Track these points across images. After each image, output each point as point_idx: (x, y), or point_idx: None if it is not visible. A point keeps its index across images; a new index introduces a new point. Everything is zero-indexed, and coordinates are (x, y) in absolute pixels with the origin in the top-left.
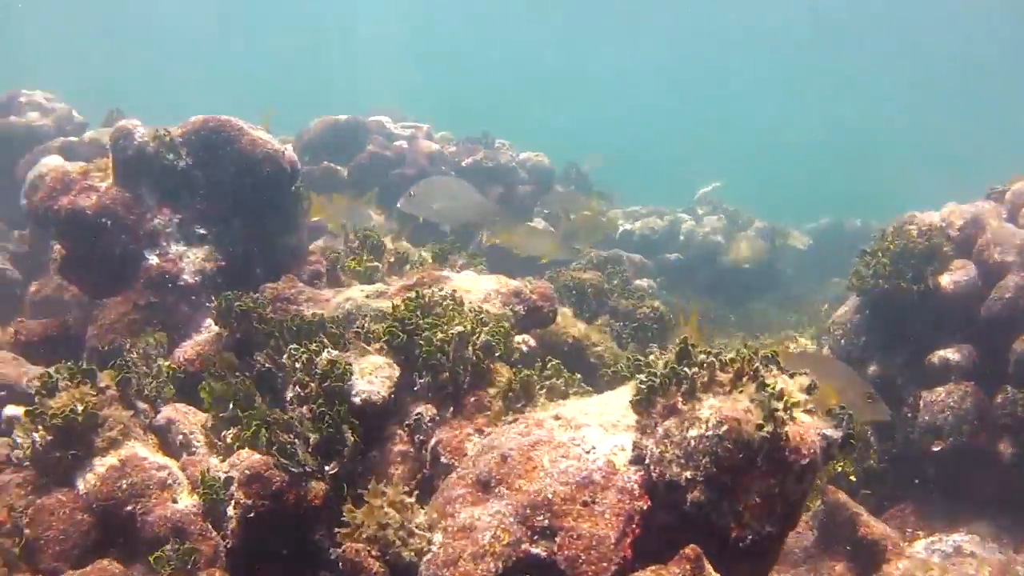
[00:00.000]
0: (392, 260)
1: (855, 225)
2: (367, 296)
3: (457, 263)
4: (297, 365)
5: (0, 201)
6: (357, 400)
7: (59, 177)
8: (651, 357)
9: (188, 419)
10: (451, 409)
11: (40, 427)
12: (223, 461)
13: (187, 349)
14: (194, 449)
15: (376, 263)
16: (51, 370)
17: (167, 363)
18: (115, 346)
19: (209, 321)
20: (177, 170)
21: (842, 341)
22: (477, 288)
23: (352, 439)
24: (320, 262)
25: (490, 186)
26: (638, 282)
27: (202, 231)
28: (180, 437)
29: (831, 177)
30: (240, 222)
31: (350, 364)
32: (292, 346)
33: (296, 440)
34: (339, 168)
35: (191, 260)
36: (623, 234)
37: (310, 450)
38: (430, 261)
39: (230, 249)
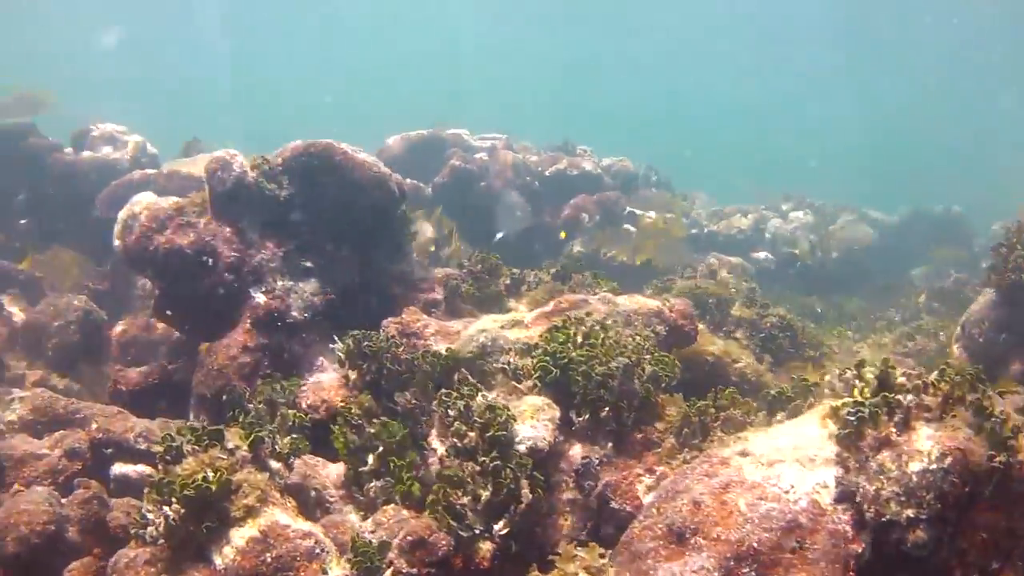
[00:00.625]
0: (508, 282)
1: (936, 211)
2: (502, 326)
3: (582, 283)
4: (451, 412)
5: (79, 237)
6: (522, 448)
7: (153, 215)
8: (828, 378)
9: (319, 472)
10: (609, 445)
11: (173, 499)
12: (365, 519)
13: (310, 394)
14: (328, 505)
15: (497, 288)
16: (173, 431)
17: (292, 411)
18: (234, 395)
19: (322, 359)
20: (279, 200)
21: (980, 339)
22: (617, 310)
23: (530, 495)
24: (433, 289)
25: (575, 193)
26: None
27: (308, 263)
28: (313, 494)
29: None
30: (348, 251)
31: (508, 408)
32: (443, 392)
33: (466, 498)
34: (423, 185)
35: (299, 295)
36: (708, 234)
37: (479, 507)
38: (546, 280)
39: (339, 280)
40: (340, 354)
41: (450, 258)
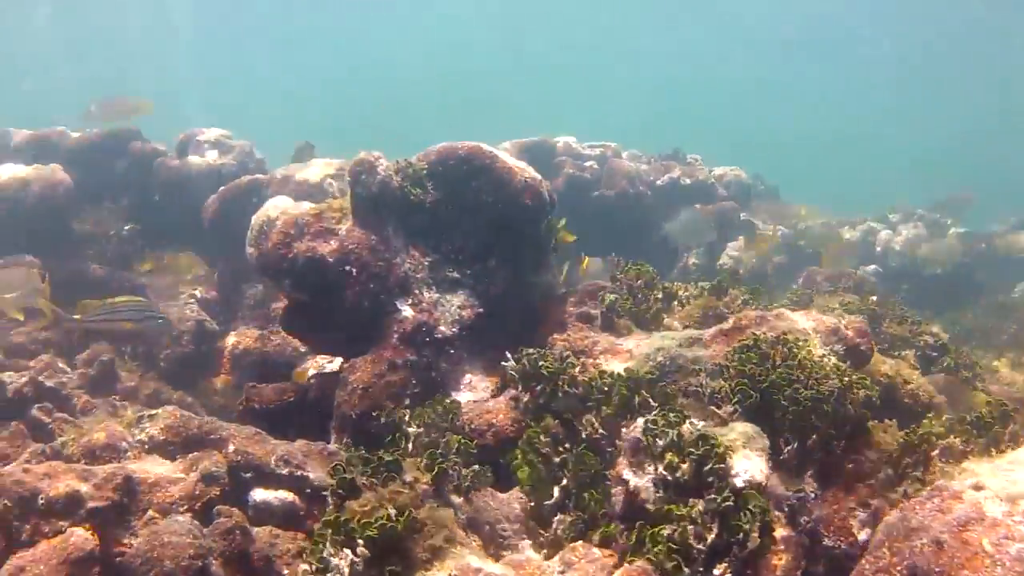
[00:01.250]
0: (659, 296)
1: None
2: (679, 344)
3: (738, 299)
4: (660, 442)
5: (185, 243)
6: (738, 483)
7: (290, 221)
8: None
9: (489, 503)
10: (812, 476)
11: (358, 541)
12: (548, 557)
13: (474, 417)
14: (503, 541)
15: (657, 303)
16: (343, 462)
17: (457, 437)
18: (392, 418)
19: (470, 377)
20: (425, 206)
21: None
22: (795, 327)
23: (756, 538)
24: (583, 302)
25: (687, 203)
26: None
27: (455, 274)
28: (487, 528)
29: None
30: (496, 261)
31: (717, 439)
32: (649, 419)
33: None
34: None
35: (447, 308)
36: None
37: (701, 550)
38: (696, 294)
39: (486, 292)
40: (513, 373)
41: (584, 272)
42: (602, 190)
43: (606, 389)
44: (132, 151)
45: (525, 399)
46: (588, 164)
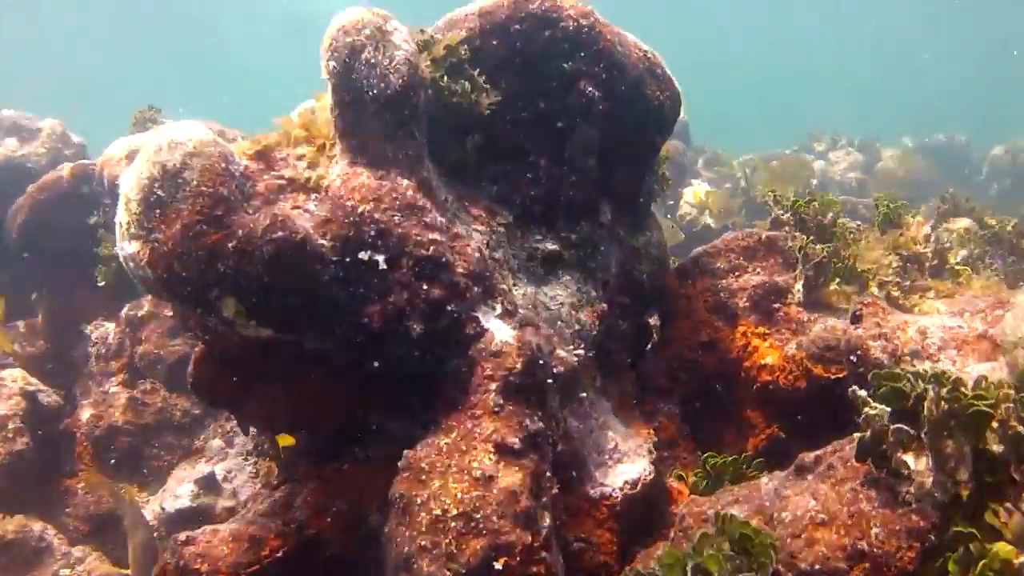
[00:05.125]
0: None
1: (961, 143)
2: None
3: (923, 227)
4: None
5: None
6: None
7: (218, 171)
8: None
9: None
10: None
11: None
12: None
13: (787, 538)
14: None
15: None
16: None
17: None
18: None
19: (613, 439)
20: (480, 115)
21: None
22: None
23: None
24: (735, 272)
25: None
26: None
27: (551, 245)
28: None
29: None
30: (611, 214)
31: None
32: None
33: None
34: None
35: (554, 312)
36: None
37: None
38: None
39: (604, 272)
40: (897, 428)
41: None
42: None
43: None
44: None
45: (928, 482)
46: None
